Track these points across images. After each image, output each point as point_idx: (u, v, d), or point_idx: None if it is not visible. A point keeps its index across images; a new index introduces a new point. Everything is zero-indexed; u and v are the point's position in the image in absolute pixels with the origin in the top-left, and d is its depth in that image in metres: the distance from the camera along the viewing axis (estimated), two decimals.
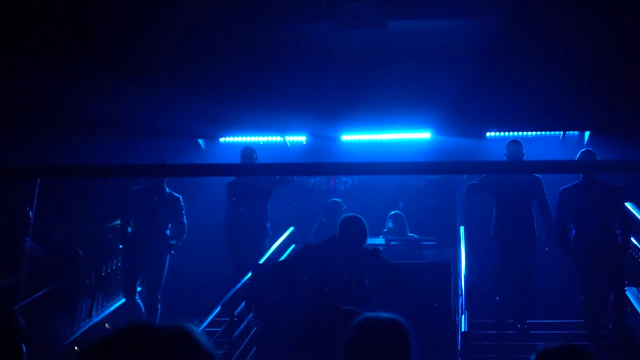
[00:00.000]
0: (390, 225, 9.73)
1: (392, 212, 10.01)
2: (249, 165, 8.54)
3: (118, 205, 9.19)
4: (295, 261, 6.31)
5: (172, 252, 8.81)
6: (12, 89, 8.44)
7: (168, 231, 8.86)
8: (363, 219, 6.33)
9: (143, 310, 8.62)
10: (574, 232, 8.05)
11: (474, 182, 8.80)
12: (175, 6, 7.31)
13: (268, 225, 9.50)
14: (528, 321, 8.54)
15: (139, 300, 8.70)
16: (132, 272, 8.72)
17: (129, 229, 8.87)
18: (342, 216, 6.46)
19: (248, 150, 9.54)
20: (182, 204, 8.90)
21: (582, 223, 7.97)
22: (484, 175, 8.70)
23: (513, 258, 8.53)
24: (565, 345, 2.79)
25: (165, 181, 8.87)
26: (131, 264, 8.76)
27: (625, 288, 8.20)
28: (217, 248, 9.84)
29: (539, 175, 8.56)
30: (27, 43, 7.62)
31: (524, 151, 8.53)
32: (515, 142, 8.71)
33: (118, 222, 9.23)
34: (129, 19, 7.46)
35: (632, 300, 8.35)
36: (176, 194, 8.92)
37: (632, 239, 8.45)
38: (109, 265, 9.48)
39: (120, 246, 9.11)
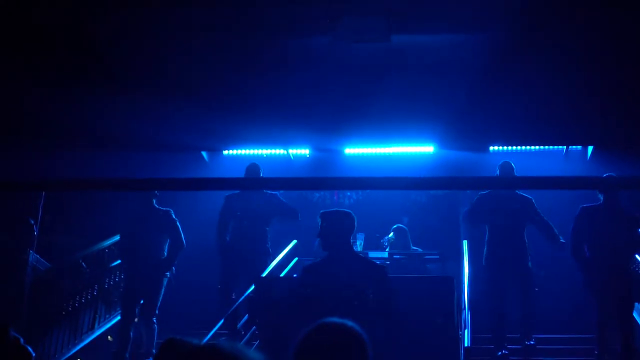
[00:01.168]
0: (391, 236, 9.70)
1: (395, 226, 10.01)
2: (253, 180, 8.53)
3: (117, 223, 9.05)
4: (300, 285, 6.26)
5: (169, 270, 8.50)
6: (14, 102, 8.47)
7: (165, 248, 8.52)
8: (349, 212, 6.19)
9: (141, 329, 8.49)
10: (587, 254, 8.02)
11: (467, 209, 8.68)
12: (178, 20, 7.35)
13: (269, 245, 9.18)
14: (534, 336, 8.50)
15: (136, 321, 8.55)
16: (131, 294, 8.49)
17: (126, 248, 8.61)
18: (322, 211, 6.30)
19: (253, 167, 9.25)
20: (172, 217, 8.51)
21: (596, 245, 7.89)
22: (476, 198, 8.56)
23: (504, 289, 8.35)
24: None
25: (154, 199, 8.54)
26: (130, 287, 8.50)
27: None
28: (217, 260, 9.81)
29: (529, 196, 8.41)
30: (28, 57, 7.67)
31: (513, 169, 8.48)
32: (504, 166, 8.58)
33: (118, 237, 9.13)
34: (132, 32, 7.50)
35: (637, 319, 8.36)
36: (164, 209, 8.54)
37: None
38: (112, 278, 9.48)
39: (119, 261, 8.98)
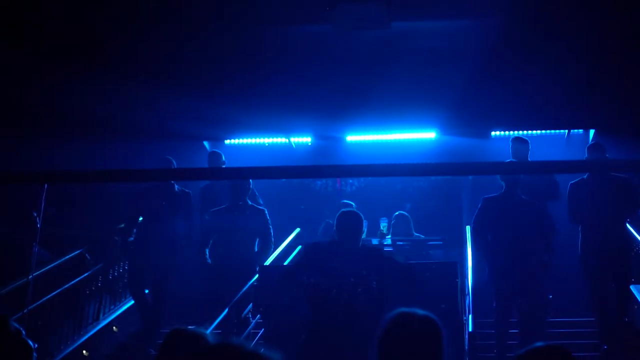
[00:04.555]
0: (385, 223, 9.63)
1: (397, 213, 10.00)
2: (254, 169, 8.49)
3: (124, 207, 9.07)
4: (300, 263, 6.30)
5: (180, 254, 8.46)
6: (15, 92, 8.46)
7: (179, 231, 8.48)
8: (360, 214, 6.29)
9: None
10: (580, 227, 8.02)
11: (474, 218, 8.00)
12: (180, 8, 7.34)
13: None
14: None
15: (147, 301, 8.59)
16: (138, 276, 8.58)
17: (134, 231, 8.64)
18: (339, 212, 6.42)
19: (215, 155, 9.18)
20: (190, 200, 8.56)
21: (590, 217, 7.89)
22: (479, 206, 7.95)
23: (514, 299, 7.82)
24: (544, 347, 2.78)
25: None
26: (137, 268, 8.57)
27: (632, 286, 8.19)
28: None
29: (539, 202, 7.82)
30: (29, 45, 7.65)
31: (529, 150, 8.41)
32: (521, 140, 8.51)
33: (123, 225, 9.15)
34: (134, 21, 7.49)
35: (637, 296, 8.35)
36: (187, 190, 8.59)
37: (638, 236, 8.45)
38: (116, 269, 9.50)
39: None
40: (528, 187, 7.89)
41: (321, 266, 5.87)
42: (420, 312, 3.06)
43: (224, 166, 9.00)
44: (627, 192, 7.93)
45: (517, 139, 8.59)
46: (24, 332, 3.14)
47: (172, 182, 8.62)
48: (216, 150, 9.58)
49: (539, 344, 2.80)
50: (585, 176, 8.09)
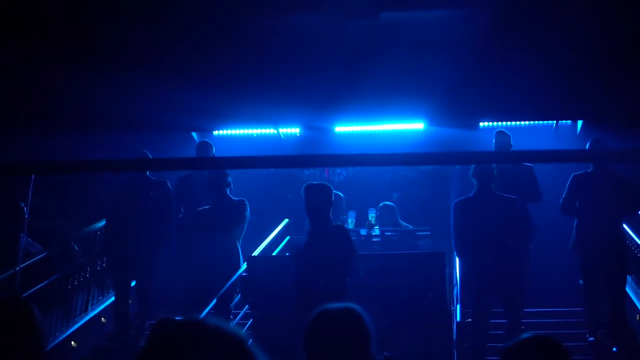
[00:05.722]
0: (373, 214, 9.63)
1: (382, 204, 9.98)
2: (245, 158, 8.48)
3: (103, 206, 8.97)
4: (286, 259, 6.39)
5: (163, 245, 8.36)
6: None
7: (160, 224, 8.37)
8: (328, 185, 6.41)
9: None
10: (576, 221, 8.03)
11: (452, 226, 7.74)
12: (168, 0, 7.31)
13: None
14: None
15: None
16: (120, 273, 8.45)
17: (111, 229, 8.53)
18: (305, 184, 6.54)
19: (205, 146, 9.14)
20: (169, 189, 8.45)
21: (587, 211, 7.89)
22: (453, 212, 7.72)
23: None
24: (531, 338, 2.77)
25: (148, 172, 8.44)
26: (118, 265, 8.44)
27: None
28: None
29: (513, 197, 7.65)
30: (17, 39, 7.60)
31: (512, 142, 8.43)
32: (503, 133, 8.57)
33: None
34: (123, 13, 7.45)
35: (629, 293, 8.40)
36: (161, 179, 8.47)
37: (629, 230, 8.48)
38: (104, 260, 9.47)
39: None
40: (505, 185, 7.72)
41: (306, 255, 5.95)
42: (340, 305, 3.08)
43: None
44: (629, 192, 7.90)
45: (500, 133, 8.63)
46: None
47: (149, 175, 8.51)
48: (206, 140, 9.53)
49: (526, 335, 2.79)
50: (590, 170, 8.07)
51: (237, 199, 8.18)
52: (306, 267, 6.14)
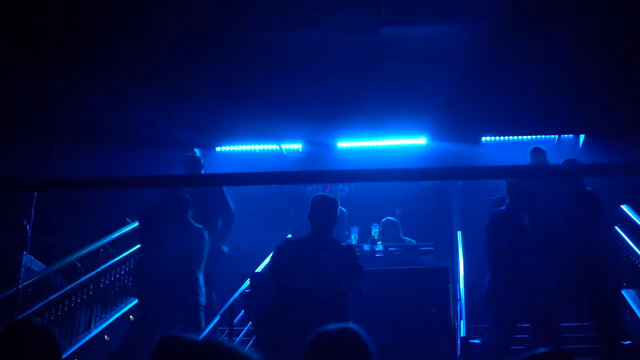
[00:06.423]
0: (376, 229, 9.61)
1: (384, 219, 9.97)
2: (247, 175, 8.47)
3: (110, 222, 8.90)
4: (280, 261, 6.36)
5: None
6: (4, 99, 8.43)
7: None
8: (334, 198, 6.41)
9: None
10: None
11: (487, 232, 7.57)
12: (170, 14, 7.32)
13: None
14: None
15: None
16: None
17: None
18: (313, 195, 6.56)
19: (193, 160, 9.08)
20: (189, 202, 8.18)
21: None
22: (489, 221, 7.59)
23: None
24: (545, 352, 2.75)
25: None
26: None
27: (623, 290, 8.17)
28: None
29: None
30: (19, 50, 7.62)
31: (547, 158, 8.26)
32: (538, 150, 8.35)
33: (115, 235, 9.01)
34: (124, 26, 7.47)
35: (630, 303, 8.33)
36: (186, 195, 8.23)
37: (631, 242, 8.42)
38: (108, 278, 9.45)
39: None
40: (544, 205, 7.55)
41: (303, 264, 5.93)
42: (339, 326, 3.03)
43: (202, 170, 8.91)
44: (598, 209, 7.68)
45: (535, 150, 8.40)
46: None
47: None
48: (192, 155, 9.38)
49: (541, 349, 2.78)
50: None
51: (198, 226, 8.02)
52: (306, 277, 6.12)
